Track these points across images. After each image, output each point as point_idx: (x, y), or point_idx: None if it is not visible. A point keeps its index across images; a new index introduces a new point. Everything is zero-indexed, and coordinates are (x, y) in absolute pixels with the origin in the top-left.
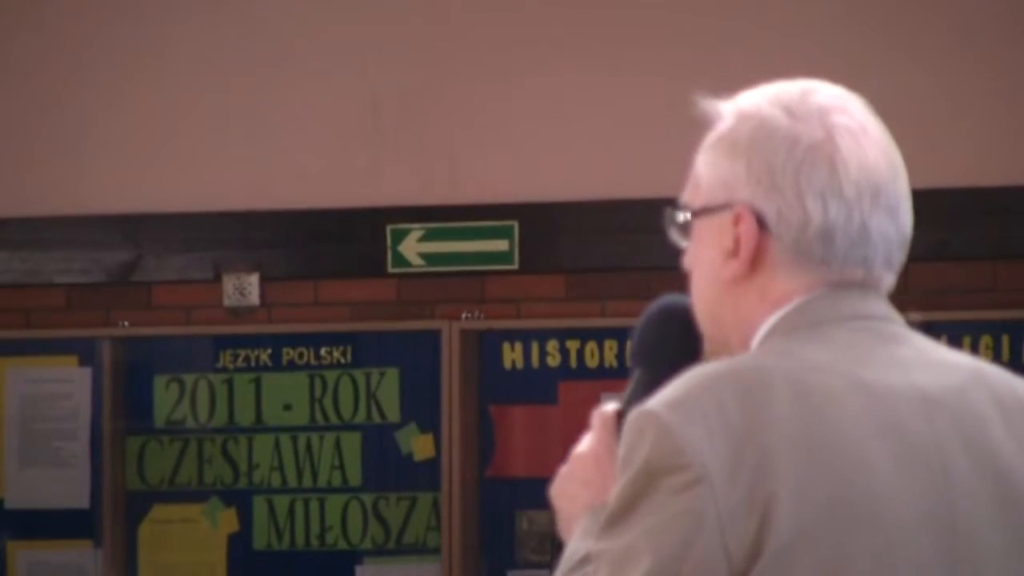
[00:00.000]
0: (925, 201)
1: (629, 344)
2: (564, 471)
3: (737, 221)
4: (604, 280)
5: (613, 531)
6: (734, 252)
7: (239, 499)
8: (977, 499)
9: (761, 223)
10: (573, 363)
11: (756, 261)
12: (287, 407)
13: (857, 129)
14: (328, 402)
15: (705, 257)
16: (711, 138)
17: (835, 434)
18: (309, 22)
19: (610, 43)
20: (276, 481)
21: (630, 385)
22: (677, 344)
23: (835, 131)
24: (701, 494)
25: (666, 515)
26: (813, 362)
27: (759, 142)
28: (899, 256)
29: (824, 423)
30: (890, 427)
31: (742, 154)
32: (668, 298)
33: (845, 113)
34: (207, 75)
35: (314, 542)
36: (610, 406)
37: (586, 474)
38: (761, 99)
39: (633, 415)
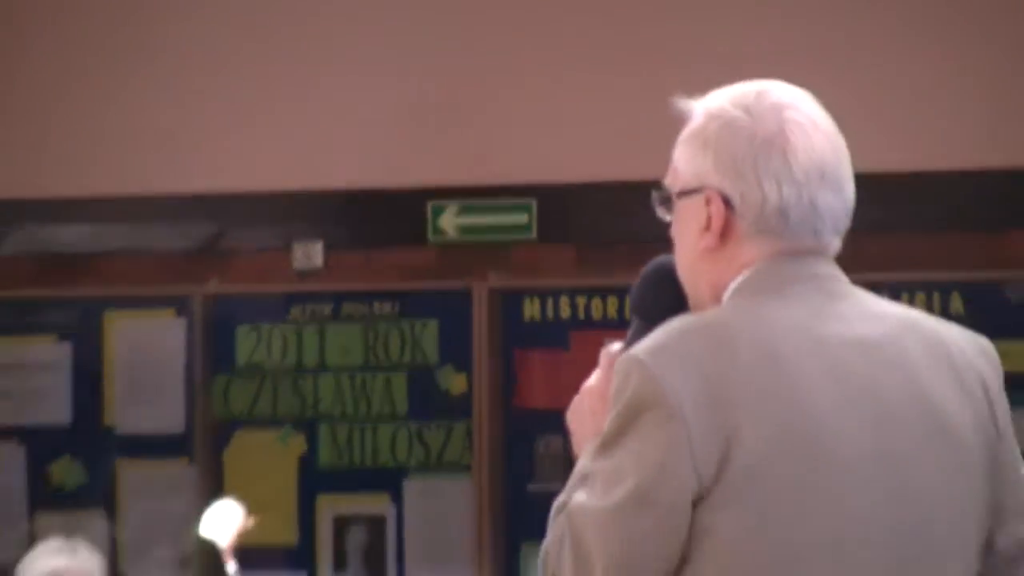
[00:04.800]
0: (877, 183)
1: (628, 298)
2: (576, 400)
3: (708, 203)
4: (609, 251)
5: (605, 453)
6: (707, 227)
7: (307, 426)
8: (910, 427)
9: (728, 204)
10: (582, 315)
11: (725, 235)
12: (346, 352)
13: (806, 122)
14: (380, 348)
15: (685, 231)
16: (685, 133)
17: (787, 378)
18: (361, 18)
19: (619, 46)
20: (337, 412)
21: (630, 331)
22: (666, 299)
23: (786, 125)
24: (676, 426)
25: (648, 443)
26: (771, 317)
27: (724, 138)
28: (844, 224)
29: (778, 369)
30: (835, 370)
31: (711, 148)
32: (660, 259)
33: (795, 109)
34: (276, 70)
35: (368, 461)
36: (615, 347)
37: (593, 405)
38: (724, 100)
39: (622, 359)
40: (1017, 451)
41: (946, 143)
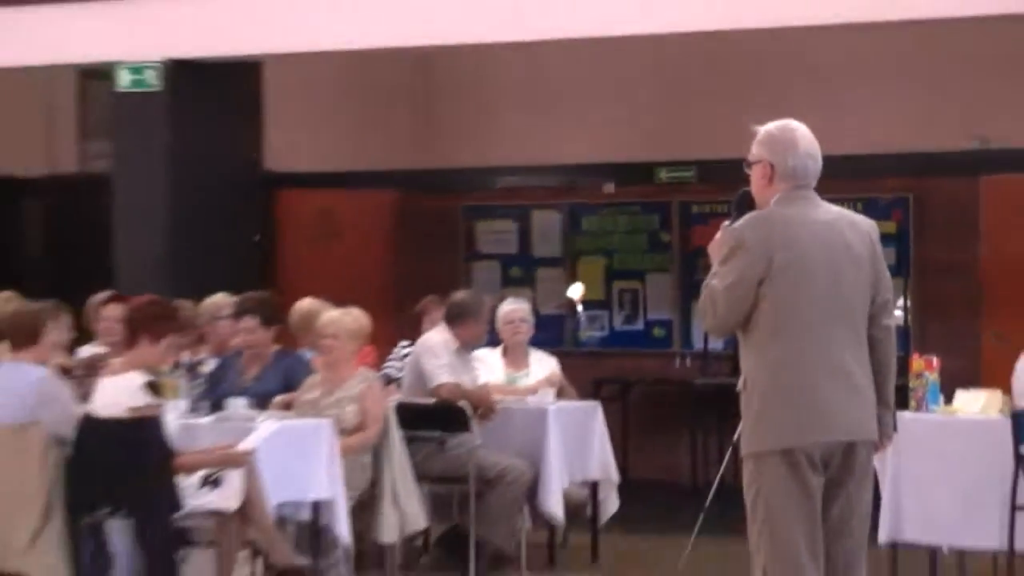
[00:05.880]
0: (830, 160)
1: (731, 204)
2: (711, 243)
3: (763, 166)
4: (727, 186)
5: (723, 265)
6: (763, 176)
7: (608, 253)
8: (839, 255)
9: (772, 167)
10: (715, 211)
11: (770, 180)
12: (620, 226)
13: (804, 134)
14: (634, 224)
15: (755, 177)
16: (756, 139)
17: (793, 234)
18: None
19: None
20: (615, 248)
21: (732, 217)
22: (746, 204)
23: (796, 136)
24: (749, 256)
25: (739, 262)
26: (787, 212)
27: (771, 140)
28: (817, 176)
29: (789, 231)
30: (812, 232)
31: (765, 144)
32: (744, 188)
33: (800, 129)
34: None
35: (628, 268)
36: (726, 223)
37: (717, 247)
38: (771, 126)
39: (729, 228)
40: (884, 264)
41: (859, 133)
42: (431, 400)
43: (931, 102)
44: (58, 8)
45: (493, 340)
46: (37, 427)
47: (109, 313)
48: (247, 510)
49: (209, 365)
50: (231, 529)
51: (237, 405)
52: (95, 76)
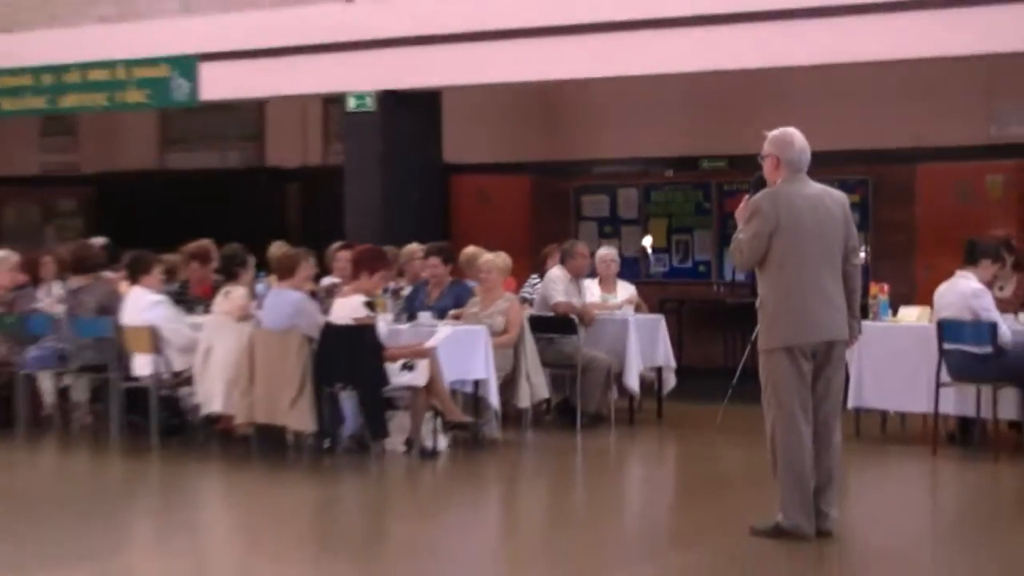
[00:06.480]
0: (816, 154)
1: (750, 183)
2: (737, 209)
3: (772, 158)
4: (752, 168)
5: (747, 223)
6: (772, 165)
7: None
8: (823, 217)
9: (778, 159)
10: (743, 187)
11: (776, 167)
12: (667, 200)
13: (798, 136)
14: (686, 199)
15: (767, 166)
16: (766, 140)
17: (793, 204)
18: None
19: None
20: (684, 213)
21: (750, 192)
22: (760, 184)
23: (793, 137)
24: (764, 218)
25: (756, 223)
26: (789, 189)
27: (777, 140)
28: (808, 164)
29: (791, 202)
30: (806, 202)
31: (774, 143)
32: (759, 173)
33: (795, 132)
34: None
35: (688, 226)
36: (747, 196)
37: (742, 213)
38: (776, 132)
39: (751, 201)
40: (852, 222)
41: (835, 135)
42: (551, 313)
43: (883, 113)
44: (309, 57)
45: (593, 273)
46: (295, 331)
47: (341, 256)
48: (431, 385)
49: (406, 290)
50: (420, 398)
51: (425, 317)
52: (333, 100)
